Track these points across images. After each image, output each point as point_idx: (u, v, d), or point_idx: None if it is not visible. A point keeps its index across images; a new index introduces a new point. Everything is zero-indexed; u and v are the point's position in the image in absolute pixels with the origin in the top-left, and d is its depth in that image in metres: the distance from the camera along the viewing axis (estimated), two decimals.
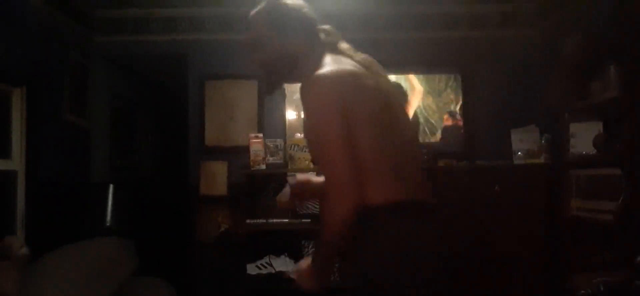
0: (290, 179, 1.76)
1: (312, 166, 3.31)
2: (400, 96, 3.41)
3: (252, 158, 3.37)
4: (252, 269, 3.41)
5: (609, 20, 2.79)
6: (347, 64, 1.42)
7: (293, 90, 3.66)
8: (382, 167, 1.33)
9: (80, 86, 3.55)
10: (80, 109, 3.55)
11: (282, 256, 3.49)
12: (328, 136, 1.30)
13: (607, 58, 2.70)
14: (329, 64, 1.40)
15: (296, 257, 3.45)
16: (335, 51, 1.50)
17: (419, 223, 1.33)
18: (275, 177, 3.50)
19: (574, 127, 2.95)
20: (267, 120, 3.75)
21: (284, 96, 3.74)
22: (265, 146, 3.43)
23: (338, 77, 1.35)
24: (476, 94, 3.75)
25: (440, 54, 3.78)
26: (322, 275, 1.47)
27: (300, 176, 1.72)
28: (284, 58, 1.48)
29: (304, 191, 1.69)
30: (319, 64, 1.41)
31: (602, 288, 2.23)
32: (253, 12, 1.53)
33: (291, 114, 3.77)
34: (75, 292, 2.24)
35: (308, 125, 1.48)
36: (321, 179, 1.55)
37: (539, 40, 3.69)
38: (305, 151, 3.40)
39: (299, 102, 2.31)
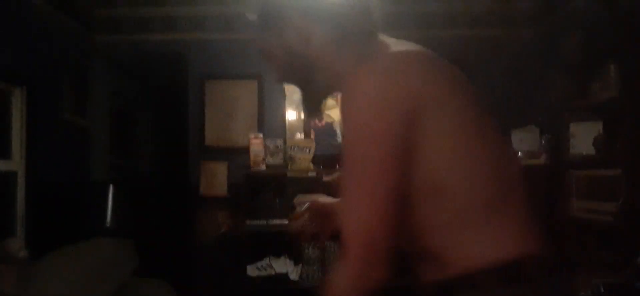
0: (298, 202, 1.35)
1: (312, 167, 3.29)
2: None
3: (252, 158, 3.36)
4: (252, 270, 3.40)
5: (609, 20, 2.78)
6: (413, 46, 0.99)
7: (293, 88, 3.65)
8: (474, 204, 0.87)
9: (80, 86, 3.55)
10: (80, 109, 3.55)
11: (282, 258, 3.48)
12: (368, 153, 0.83)
13: (607, 58, 2.70)
14: (390, 47, 0.96)
15: (296, 258, 3.45)
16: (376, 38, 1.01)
17: None
18: (275, 178, 3.49)
19: (573, 128, 2.95)
20: (267, 120, 3.74)
21: (284, 95, 3.73)
22: (265, 147, 3.42)
23: (405, 63, 0.92)
24: None
25: (439, 54, 3.77)
26: None
27: (321, 199, 1.26)
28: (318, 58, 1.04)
29: (326, 218, 1.23)
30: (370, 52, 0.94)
31: (602, 289, 2.23)
32: None
33: (291, 115, 3.76)
34: (75, 292, 2.24)
35: (345, 140, 0.94)
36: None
37: (538, 40, 3.68)
38: (307, 152, 3.39)
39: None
